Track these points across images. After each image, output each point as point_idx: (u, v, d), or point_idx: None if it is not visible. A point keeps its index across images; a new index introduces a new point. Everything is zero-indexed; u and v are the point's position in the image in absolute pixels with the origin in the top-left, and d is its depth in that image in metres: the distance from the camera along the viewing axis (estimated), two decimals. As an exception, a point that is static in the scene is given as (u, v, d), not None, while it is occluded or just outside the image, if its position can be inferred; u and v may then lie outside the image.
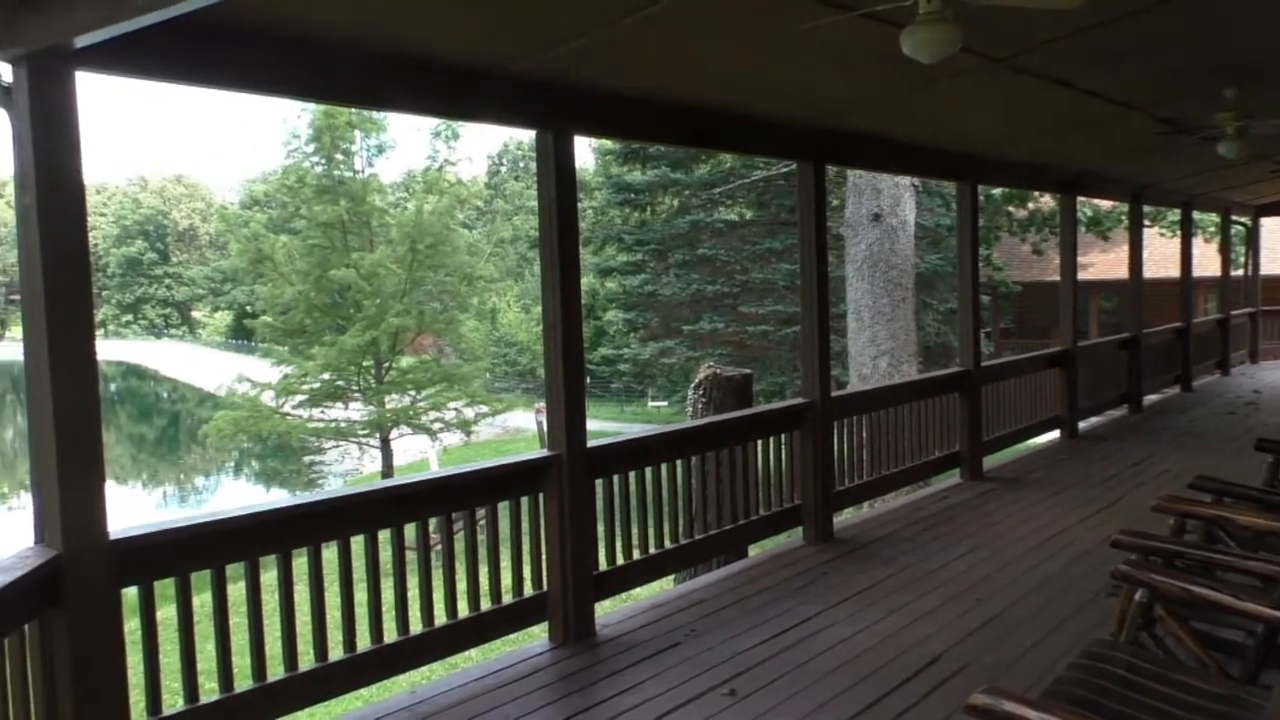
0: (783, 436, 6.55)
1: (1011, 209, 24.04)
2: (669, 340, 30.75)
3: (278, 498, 33.93)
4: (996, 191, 21.71)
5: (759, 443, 6.41)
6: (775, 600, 5.49)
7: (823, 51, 4.67)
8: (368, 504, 4.47)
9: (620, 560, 5.42)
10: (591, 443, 5.08)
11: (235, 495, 36.87)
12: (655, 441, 5.93)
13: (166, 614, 3.61)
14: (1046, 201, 23.08)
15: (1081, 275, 12.26)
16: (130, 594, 3.46)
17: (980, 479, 8.42)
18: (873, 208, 13.36)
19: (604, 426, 27.91)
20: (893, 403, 7.73)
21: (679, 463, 5.83)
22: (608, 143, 31.36)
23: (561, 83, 4.76)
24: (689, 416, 7.81)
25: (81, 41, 2.78)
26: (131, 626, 3.39)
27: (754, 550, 6.94)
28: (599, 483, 5.24)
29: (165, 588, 3.62)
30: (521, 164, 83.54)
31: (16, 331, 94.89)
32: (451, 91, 4.47)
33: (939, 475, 8.59)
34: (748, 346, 28.14)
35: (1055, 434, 10.33)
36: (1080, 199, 12.50)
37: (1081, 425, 10.56)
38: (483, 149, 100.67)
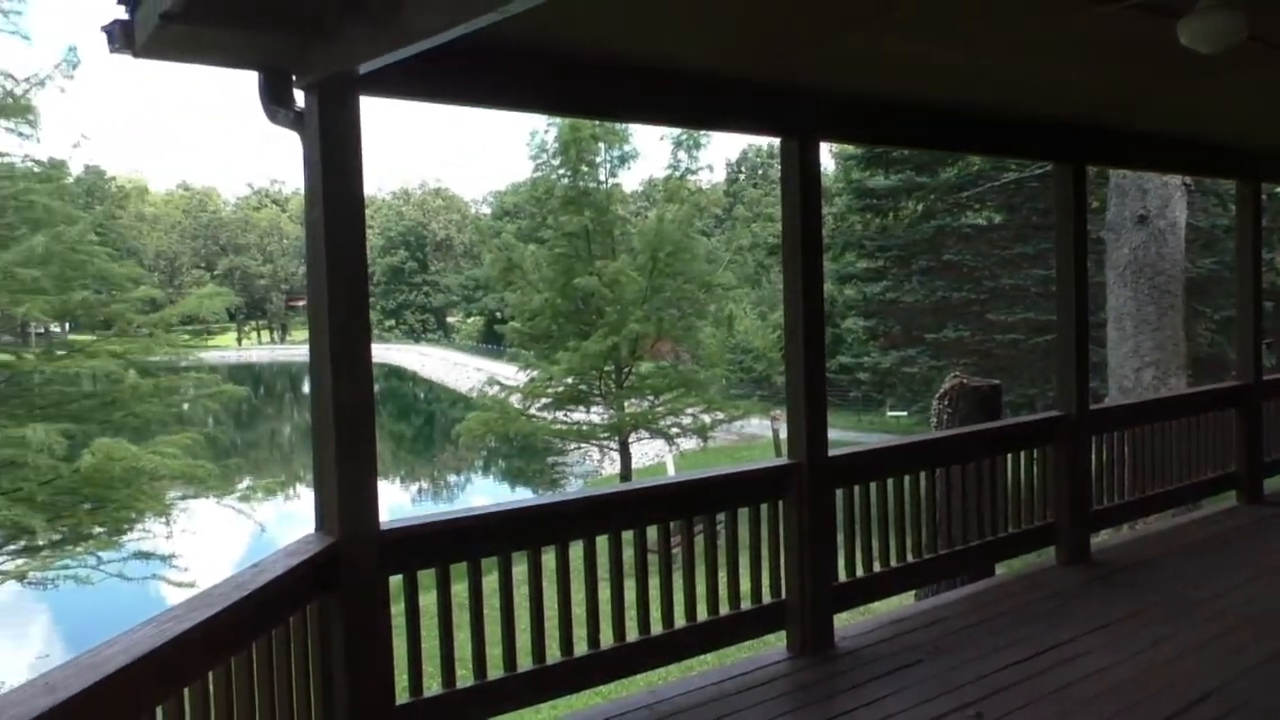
0: (1034, 451, 6.24)
1: (1300, 208, 21.89)
2: (910, 348, 29.86)
3: (523, 496, 35.44)
4: (1281, 189, 19.83)
5: (1008, 456, 6.14)
6: (1024, 622, 5.24)
7: (1084, 46, 4.42)
8: (613, 505, 4.60)
9: (860, 572, 5.32)
10: (832, 452, 5.02)
11: (483, 492, 38.81)
12: (898, 452, 5.79)
13: (426, 602, 3.85)
14: (1342, 199, 20.88)
15: (1384, 281, 10.99)
16: (395, 581, 3.70)
17: (1260, 503, 7.71)
18: (1138, 209, 12.48)
19: (841, 436, 27.48)
20: (1158, 418, 7.20)
21: (922, 475, 5.66)
22: (849, 147, 30.85)
23: (806, 89, 4.74)
24: (933, 427, 7.57)
25: (365, 68, 3.01)
26: (395, 611, 3.64)
27: (1001, 569, 6.64)
28: (839, 492, 5.17)
29: (426, 577, 3.86)
30: (760, 171, 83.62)
31: (295, 335, 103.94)
32: (696, 102, 4.54)
33: (1211, 498, 7.93)
34: (995, 356, 26.92)
35: (1351, 456, 9.31)
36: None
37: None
38: (722, 156, 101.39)
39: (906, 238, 29.69)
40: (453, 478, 43.33)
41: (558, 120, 24.60)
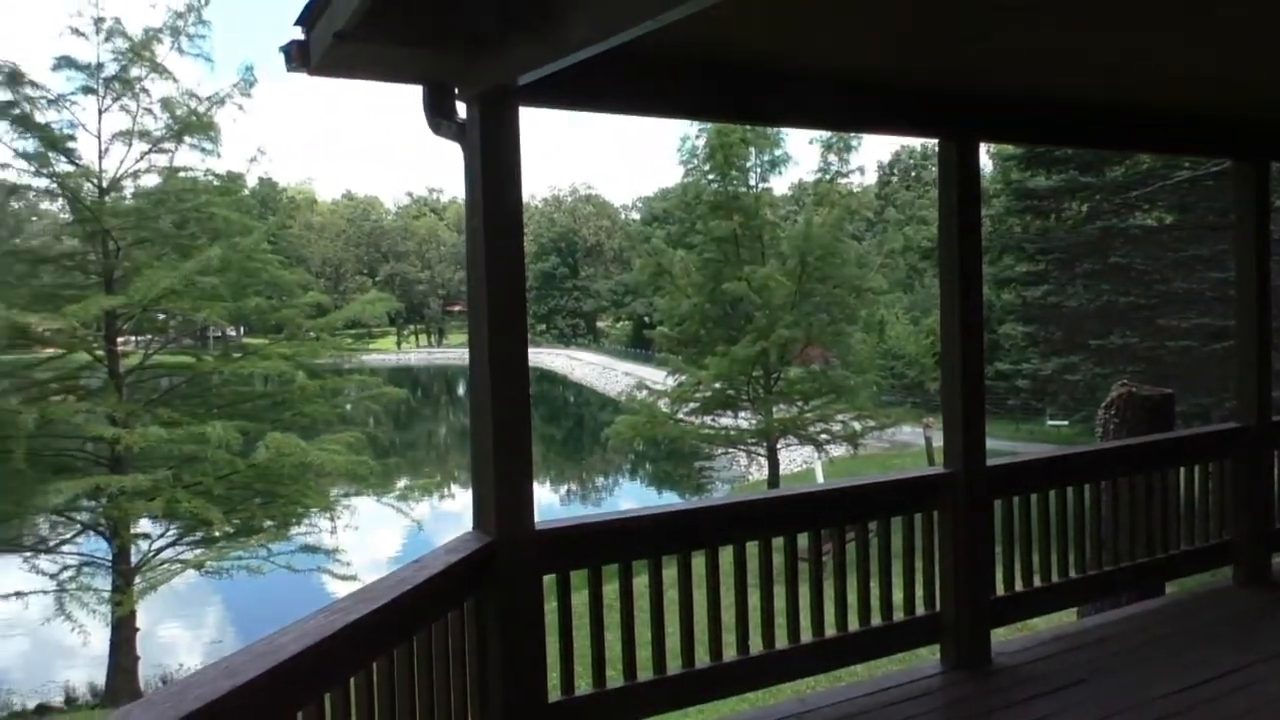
0: (1210, 464, 5.90)
1: None
2: (1073, 355, 28.69)
3: (670, 500, 35.63)
4: None
5: (1181, 470, 5.82)
6: (1196, 644, 4.96)
7: (1271, 32, 4.16)
8: (763, 510, 4.58)
9: (1019, 586, 5.13)
10: (990, 461, 4.87)
11: (630, 496, 39.19)
12: (1061, 463, 5.58)
13: (575, 602, 3.91)
14: None
15: None
16: (547, 580, 3.77)
17: None
18: (1326, 207, 11.67)
19: (998, 445, 26.61)
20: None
21: (1087, 487, 5.43)
22: (1007, 146, 29.89)
23: (965, 89, 4.61)
24: (1098, 438, 7.25)
25: (523, 79, 3.10)
26: (547, 610, 3.71)
27: (1172, 588, 6.32)
28: (997, 503, 5.01)
29: (577, 577, 3.92)
30: (913, 173, 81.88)
31: (451, 339, 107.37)
32: (849, 104, 4.47)
33: None
34: (1166, 363, 25.58)
35: None
36: None
37: None
38: (873, 158, 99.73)
39: (1069, 240, 28.58)
40: (600, 480, 43.90)
41: (708, 126, 24.66)
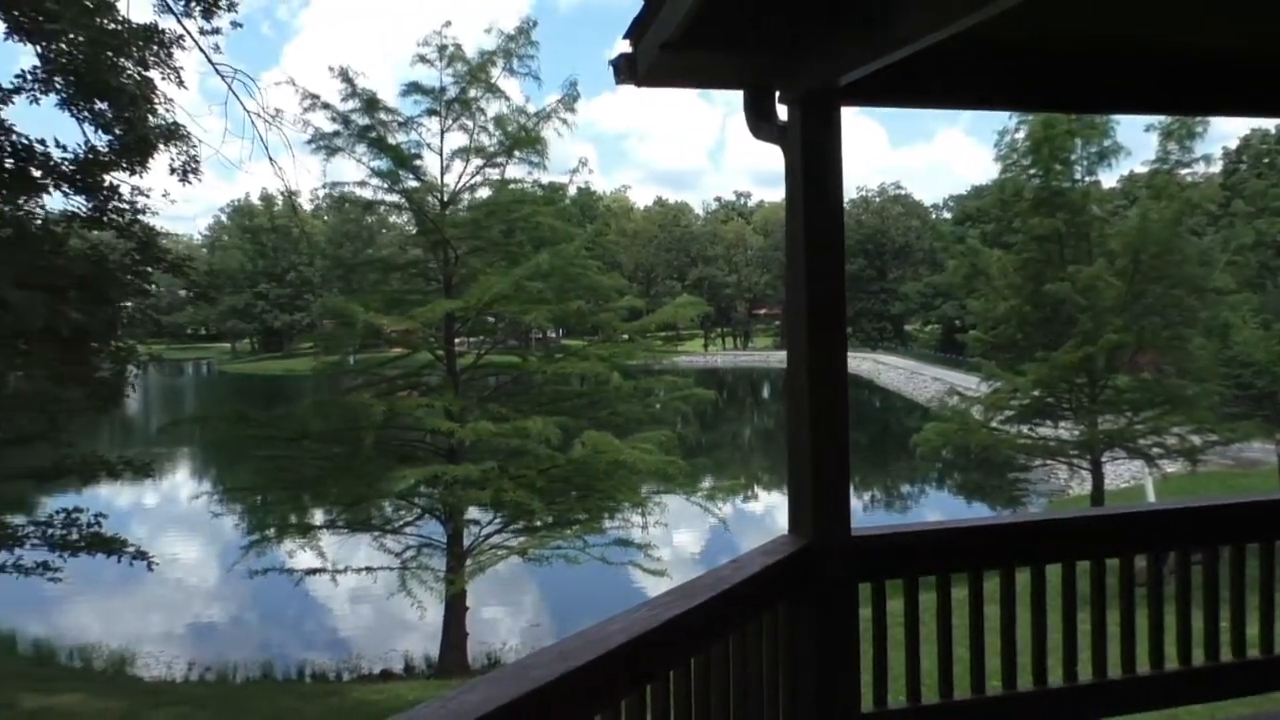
0: None
1: None
2: None
3: (979, 513, 34.09)
4: None
5: None
6: None
7: None
8: (1097, 527, 4.28)
9: None
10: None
11: (937, 506, 37.87)
12: None
13: (891, 612, 3.82)
14: None
15: None
16: (862, 588, 3.70)
17: None
18: None
19: (1372, 466, 23.42)
20: None
21: None
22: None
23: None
24: None
25: (846, 79, 3.06)
26: (861, 618, 3.64)
27: None
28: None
29: (892, 587, 3.82)
30: (1266, 159, 73.73)
31: (757, 342, 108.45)
32: (1203, 84, 4.07)
33: None
34: None
35: None
36: None
37: None
38: (1219, 144, 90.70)
39: None
40: (905, 488, 42.67)
41: (1028, 117, 23.37)
